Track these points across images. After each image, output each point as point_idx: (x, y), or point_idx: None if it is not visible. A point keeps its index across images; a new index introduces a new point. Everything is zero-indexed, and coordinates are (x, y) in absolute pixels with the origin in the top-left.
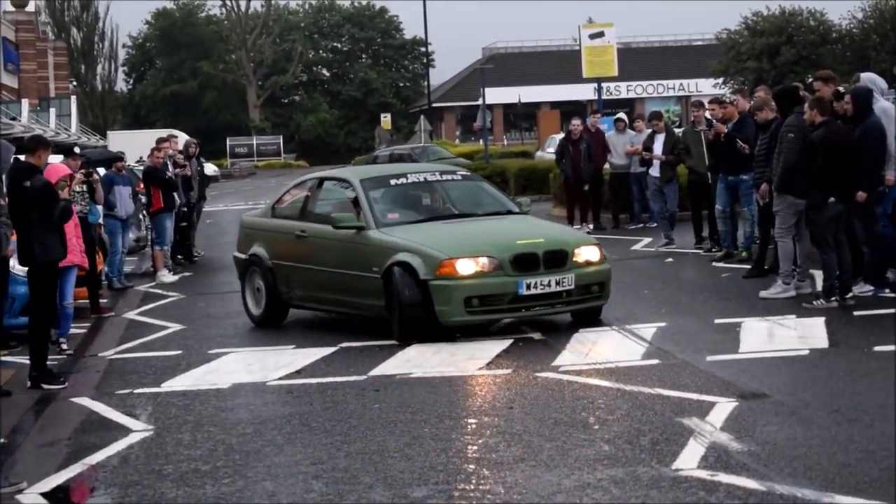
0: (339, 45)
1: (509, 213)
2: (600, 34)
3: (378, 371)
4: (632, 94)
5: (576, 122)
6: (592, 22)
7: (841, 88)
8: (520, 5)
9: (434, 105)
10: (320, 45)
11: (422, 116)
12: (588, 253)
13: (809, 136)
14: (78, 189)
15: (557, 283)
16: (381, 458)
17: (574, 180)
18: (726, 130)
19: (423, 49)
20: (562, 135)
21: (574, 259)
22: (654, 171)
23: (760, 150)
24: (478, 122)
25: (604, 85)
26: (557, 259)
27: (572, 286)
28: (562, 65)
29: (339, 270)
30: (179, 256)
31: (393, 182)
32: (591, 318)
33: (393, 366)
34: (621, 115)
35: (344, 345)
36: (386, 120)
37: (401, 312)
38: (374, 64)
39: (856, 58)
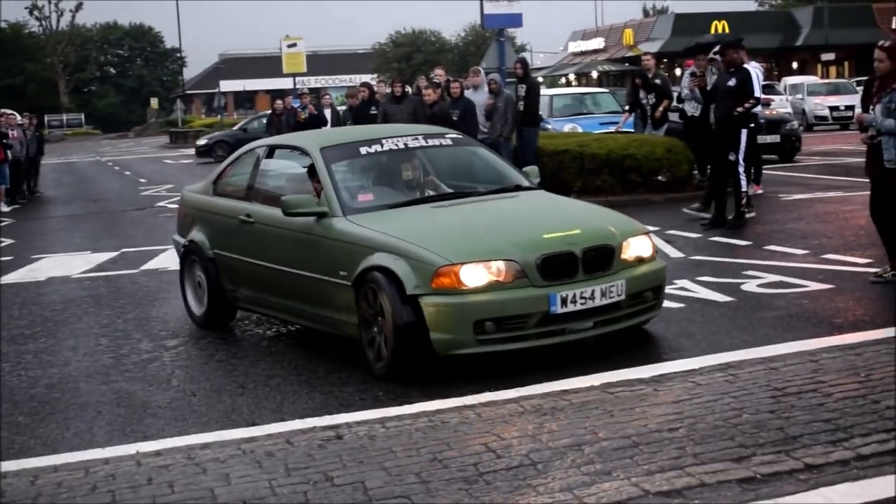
0: (122, 52)
1: (518, 188)
2: (294, 45)
3: (148, 266)
4: (319, 85)
5: (278, 103)
6: (289, 36)
7: (450, 78)
8: (247, 21)
9: (187, 92)
10: (109, 52)
11: (178, 100)
12: (639, 246)
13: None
14: None
15: (604, 294)
16: (147, 322)
17: None
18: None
19: (178, 55)
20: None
21: (622, 256)
22: None
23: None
24: (215, 103)
25: (298, 78)
26: (602, 259)
27: (623, 296)
28: (272, 65)
29: (293, 271)
30: (27, 192)
31: (364, 150)
32: (636, 336)
33: (158, 261)
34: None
35: (124, 250)
36: (154, 102)
37: (396, 340)
38: (146, 64)
39: (462, 62)
